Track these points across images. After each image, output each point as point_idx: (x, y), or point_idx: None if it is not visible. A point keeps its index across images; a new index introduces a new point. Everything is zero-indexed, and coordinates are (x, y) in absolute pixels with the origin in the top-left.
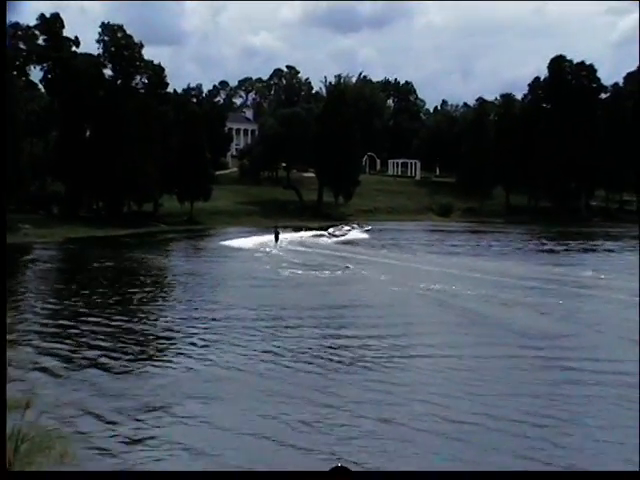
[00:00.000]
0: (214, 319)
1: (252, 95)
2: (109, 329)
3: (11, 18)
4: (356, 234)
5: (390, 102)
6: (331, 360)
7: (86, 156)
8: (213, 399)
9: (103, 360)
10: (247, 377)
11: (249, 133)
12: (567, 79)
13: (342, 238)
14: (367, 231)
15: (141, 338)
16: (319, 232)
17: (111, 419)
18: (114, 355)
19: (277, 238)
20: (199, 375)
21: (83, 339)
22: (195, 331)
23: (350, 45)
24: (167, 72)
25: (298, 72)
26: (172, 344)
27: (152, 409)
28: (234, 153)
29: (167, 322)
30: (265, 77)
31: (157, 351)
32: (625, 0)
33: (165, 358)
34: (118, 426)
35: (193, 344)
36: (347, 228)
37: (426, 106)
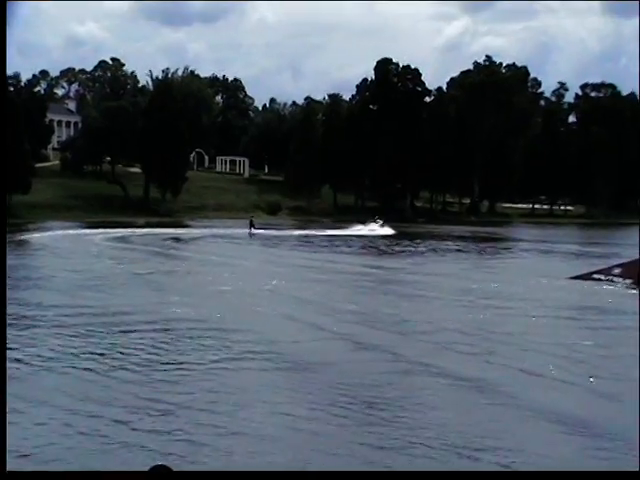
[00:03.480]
0: (24, 317)
1: (75, 86)
2: None
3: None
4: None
5: (219, 98)
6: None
7: None
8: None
9: None
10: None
11: (72, 125)
12: (393, 82)
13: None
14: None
15: None
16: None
17: None
18: None
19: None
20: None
21: None
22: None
23: (180, 39)
24: None
25: (123, 64)
26: None
27: None
28: (55, 145)
29: None
30: (89, 68)
31: None
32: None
33: None
34: None
35: None
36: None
37: (255, 104)
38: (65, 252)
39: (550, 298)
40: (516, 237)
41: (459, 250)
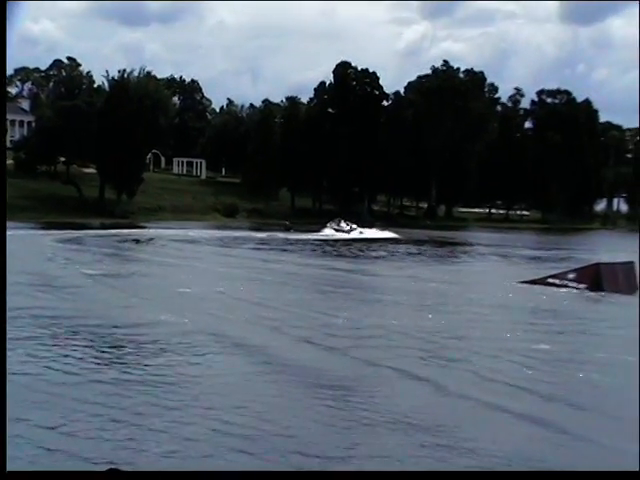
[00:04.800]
0: None
1: (29, 85)
2: None
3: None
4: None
5: (176, 100)
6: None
7: None
8: None
9: None
10: None
11: (25, 125)
12: (351, 85)
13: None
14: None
15: None
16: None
17: None
18: None
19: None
20: None
21: None
22: None
23: (138, 39)
24: None
25: (79, 64)
26: None
27: None
28: (8, 145)
29: None
30: (44, 67)
31: None
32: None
33: None
34: None
35: None
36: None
37: (213, 106)
38: (10, 253)
39: (504, 302)
40: (472, 241)
41: (417, 253)
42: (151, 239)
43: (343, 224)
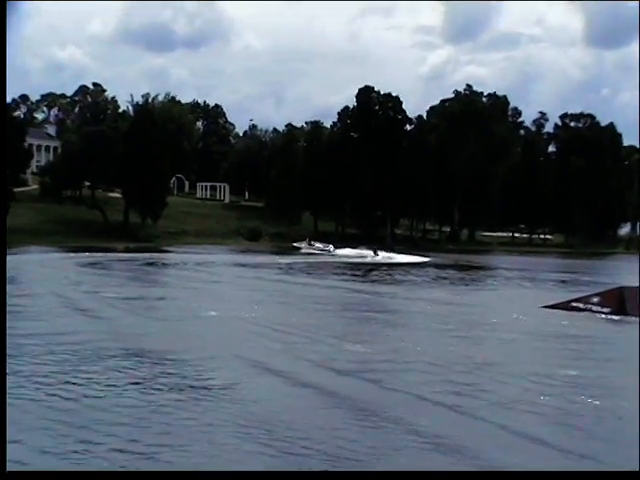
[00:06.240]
0: None
1: (55, 111)
2: None
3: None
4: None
5: (199, 124)
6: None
7: None
8: None
9: None
10: None
11: (51, 150)
12: (374, 109)
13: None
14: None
15: None
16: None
17: None
18: None
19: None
20: None
21: None
22: None
23: (163, 64)
24: None
25: (105, 90)
26: None
27: None
28: (34, 170)
29: None
30: (70, 93)
31: None
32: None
33: None
34: None
35: None
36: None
37: (237, 130)
38: (31, 276)
39: (528, 326)
40: (496, 265)
41: (441, 277)
42: (175, 263)
43: (319, 244)
